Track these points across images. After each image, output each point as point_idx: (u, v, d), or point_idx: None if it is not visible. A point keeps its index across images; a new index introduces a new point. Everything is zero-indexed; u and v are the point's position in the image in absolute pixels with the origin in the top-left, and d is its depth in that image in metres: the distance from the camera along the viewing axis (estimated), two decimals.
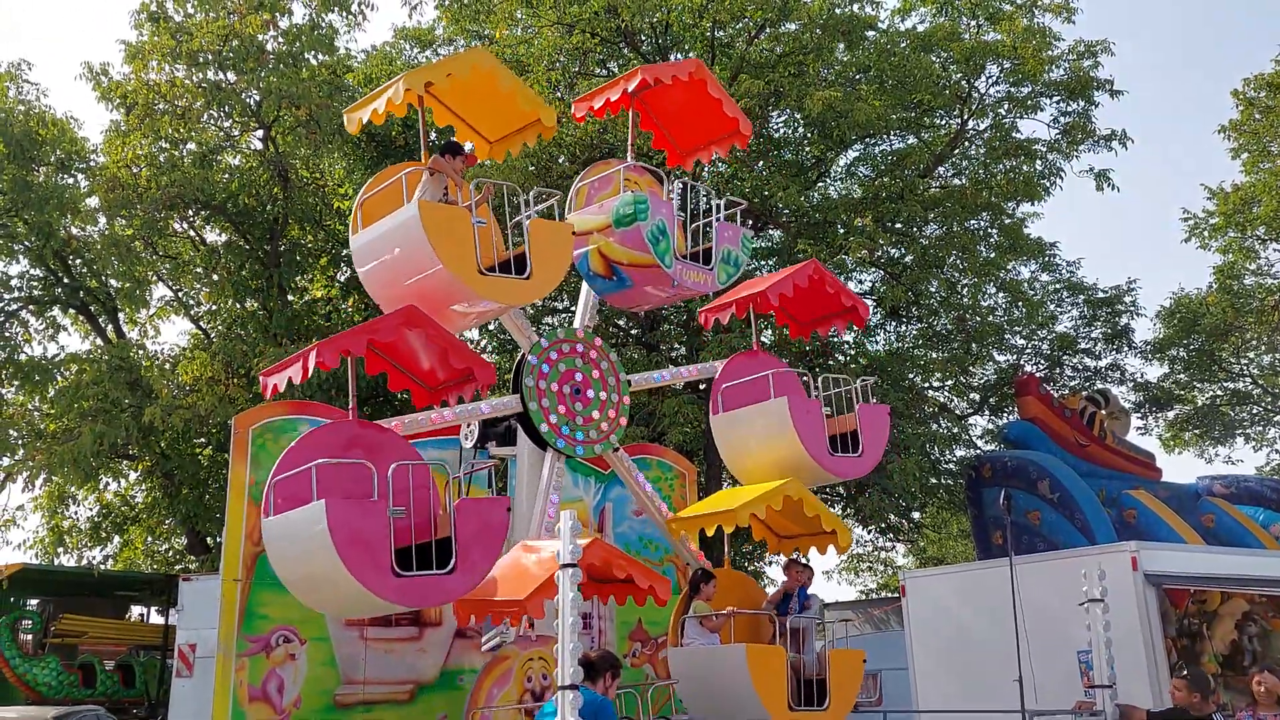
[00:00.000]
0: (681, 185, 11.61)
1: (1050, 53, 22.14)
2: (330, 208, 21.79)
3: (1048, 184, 21.89)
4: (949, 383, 24.22)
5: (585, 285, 11.79)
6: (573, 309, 21.33)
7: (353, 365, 9.17)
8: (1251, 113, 28.15)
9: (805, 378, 12.28)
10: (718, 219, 11.25)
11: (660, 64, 14.28)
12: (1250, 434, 30.25)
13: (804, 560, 11.55)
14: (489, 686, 9.53)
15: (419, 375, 10.01)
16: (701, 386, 20.46)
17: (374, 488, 8.25)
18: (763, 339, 13.70)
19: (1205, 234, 29.41)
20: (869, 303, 23.27)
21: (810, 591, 11.25)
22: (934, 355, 22.69)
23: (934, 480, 21.95)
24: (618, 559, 9.04)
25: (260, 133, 21.33)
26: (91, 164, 21.37)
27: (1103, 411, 22.42)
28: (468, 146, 11.03)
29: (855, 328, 13.56)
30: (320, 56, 21.30)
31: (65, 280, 21.40)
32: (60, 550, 22.15)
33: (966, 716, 11.51)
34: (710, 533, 10.70)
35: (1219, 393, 29.62)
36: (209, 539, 21.02)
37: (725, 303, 12.33)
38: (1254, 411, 29.96)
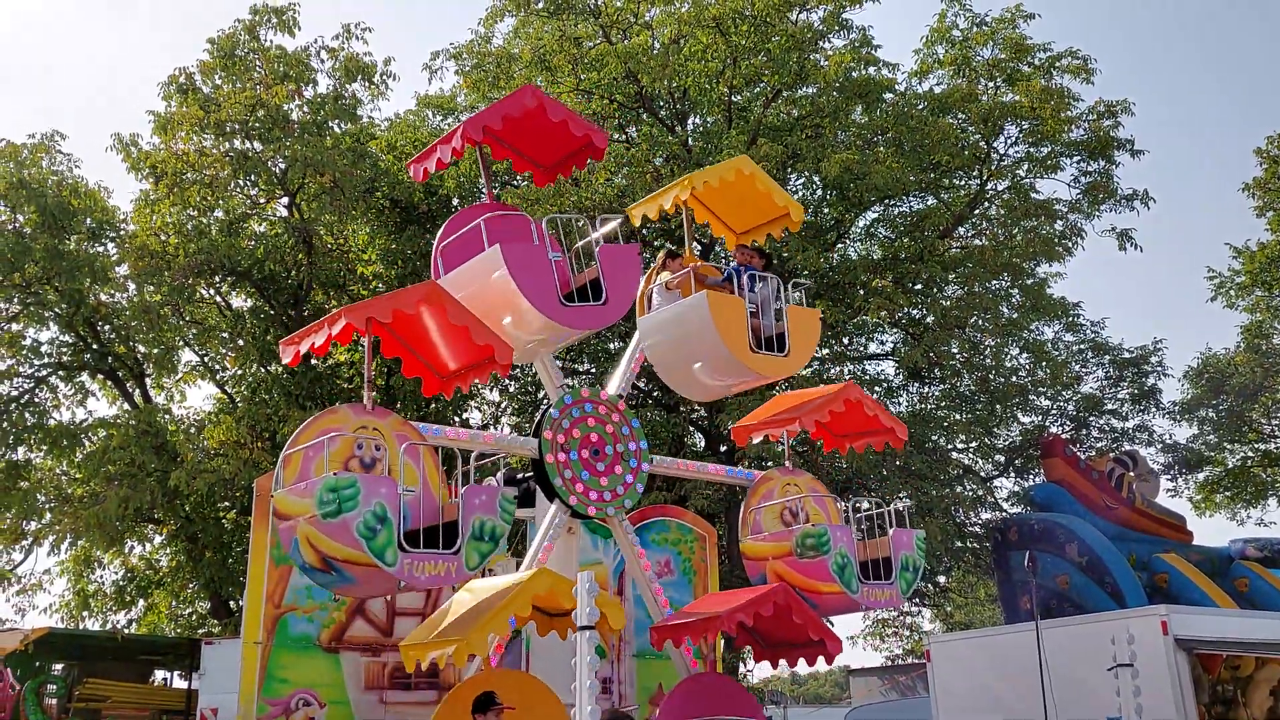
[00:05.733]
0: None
1: (1069, 113, 22.21)
2: (353, 273, 22.05)
3: (1069, 244, 21.88)
4: (973, 444, 23.99)
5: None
6: (594, 371, 21.42)
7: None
8: (1275, 170, 28.02)
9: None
10: (476, 479, 8.91)
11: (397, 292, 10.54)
12: None
13: (755, 245, 11.70)
14: (759, 497, 11.74)
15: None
16: (723, 448, 20.40)
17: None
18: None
19: (1232, 293, 29.13)
20: (890, 364, 23.28)
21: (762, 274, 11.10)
22: (957, 417, 22.50)
23: (959, 544, 21.70)
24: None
25: (285, 200, 21.67)
26: (121, 232, 21.74)
27: (1131, 473, 22.09)
28: None
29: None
30: (344, 125, 21.67)
31: (94, 346, 21.73)
32: (85, 614, 22.24)
33: None
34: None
35: (1250, 454, 29.15)
36: (232, 603, 21.01)
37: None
38: None
